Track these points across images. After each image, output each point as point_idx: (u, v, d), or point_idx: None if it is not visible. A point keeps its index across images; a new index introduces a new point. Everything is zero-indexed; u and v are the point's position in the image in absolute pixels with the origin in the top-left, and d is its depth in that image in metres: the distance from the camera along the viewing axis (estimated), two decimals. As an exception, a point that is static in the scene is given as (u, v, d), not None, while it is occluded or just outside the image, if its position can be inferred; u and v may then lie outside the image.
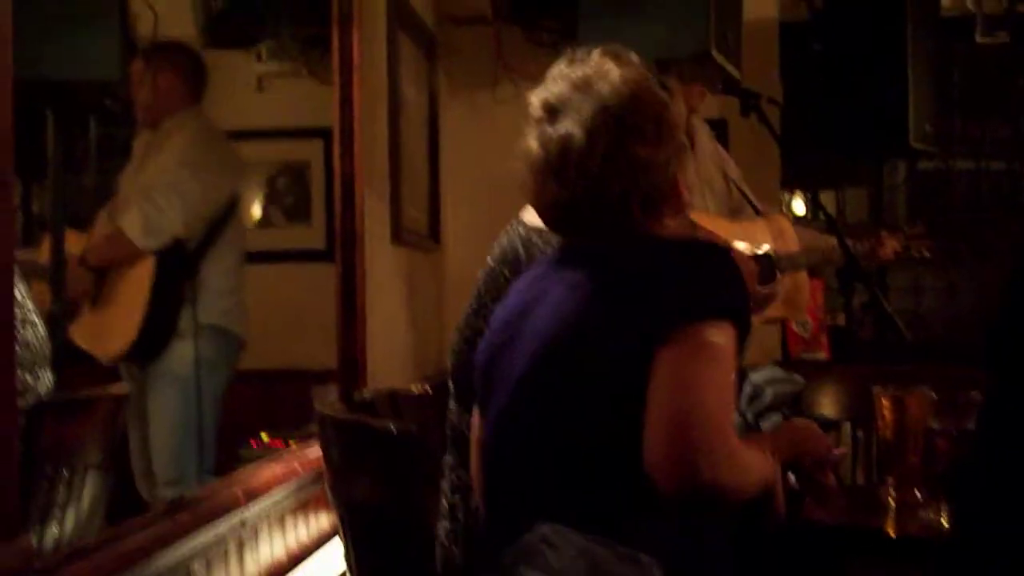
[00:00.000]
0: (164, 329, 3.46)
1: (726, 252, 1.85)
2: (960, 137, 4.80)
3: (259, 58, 3.92)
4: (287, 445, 3.33)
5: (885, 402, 2.28)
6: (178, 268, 3.49)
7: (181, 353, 3.46)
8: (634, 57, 1.89)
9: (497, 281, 2.28)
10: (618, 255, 1.83)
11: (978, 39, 4.67)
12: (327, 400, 3.29)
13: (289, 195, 4.25)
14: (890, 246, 3.66)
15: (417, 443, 2.02)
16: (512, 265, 2.27)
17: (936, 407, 2.23)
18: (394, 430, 2.02)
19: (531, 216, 2.25)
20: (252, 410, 3.67)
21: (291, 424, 3.41)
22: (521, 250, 2.28)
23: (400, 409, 2.58)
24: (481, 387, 1.90)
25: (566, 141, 1.78)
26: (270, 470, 2.74)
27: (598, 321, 1.75)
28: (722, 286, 1.75)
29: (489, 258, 2.35)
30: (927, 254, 3.74)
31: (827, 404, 3.59)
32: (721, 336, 1.68)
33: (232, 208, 3.67)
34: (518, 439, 1.81)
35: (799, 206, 5.17)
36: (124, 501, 3.18)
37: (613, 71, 1.83)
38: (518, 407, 1.82)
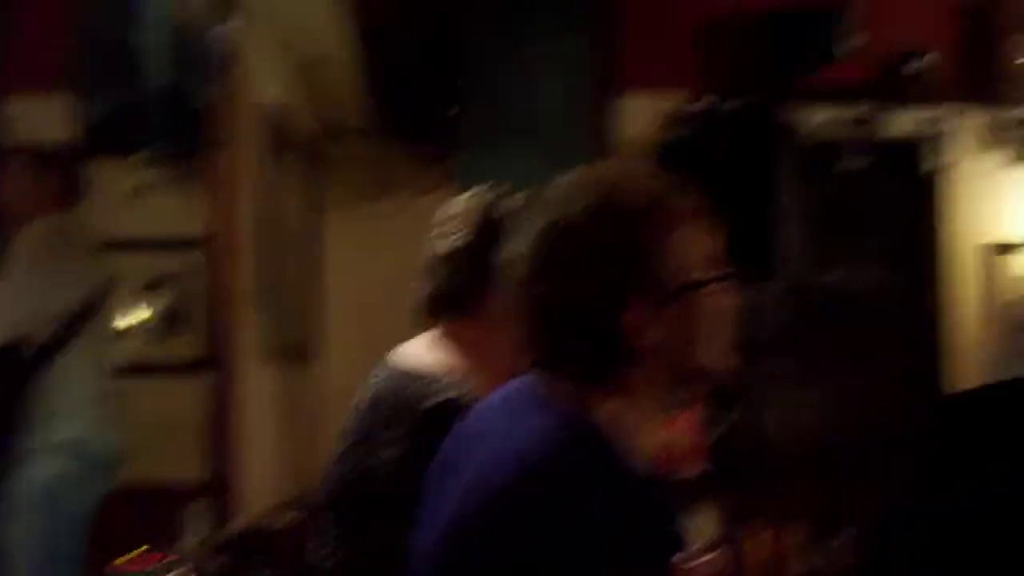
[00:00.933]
0: (5, 446, 3.37)
1: (657, 504, 1.52)
2: (825, 258, 4.96)
3: (135, 168, 3.91)
4: (163, 558, 3.30)
5: (754, 541, 2.36)
6: (11, 375, 3.40)
7: (32, 472, 3.37)
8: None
9: (363, 425, 2.22)
10: (520, 452, 1.53)
11: (842, 164, 4.87)
12: (188, 542, 3.30)
13: (165, 305, 4.19)
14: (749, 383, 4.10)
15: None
16: (379, 409, 2.20)
17: (804, 545, 2.32)
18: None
19: (402, 359, 2.25)
20: (121, 527, 3.49)
21: (166, 540, 3.36)
22: (389, 396, 2.20)
23: (270, 542, 2.59)
24: (423, 508, 1.70)
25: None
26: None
27: (481, 550, 1.49)
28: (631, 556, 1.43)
29: (358, 400, 2.28)
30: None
31: (703, 520, 3.68)
32: None
33: (89, 315, 3.59)
34: None
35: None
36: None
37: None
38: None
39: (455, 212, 2.25)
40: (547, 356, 1.59)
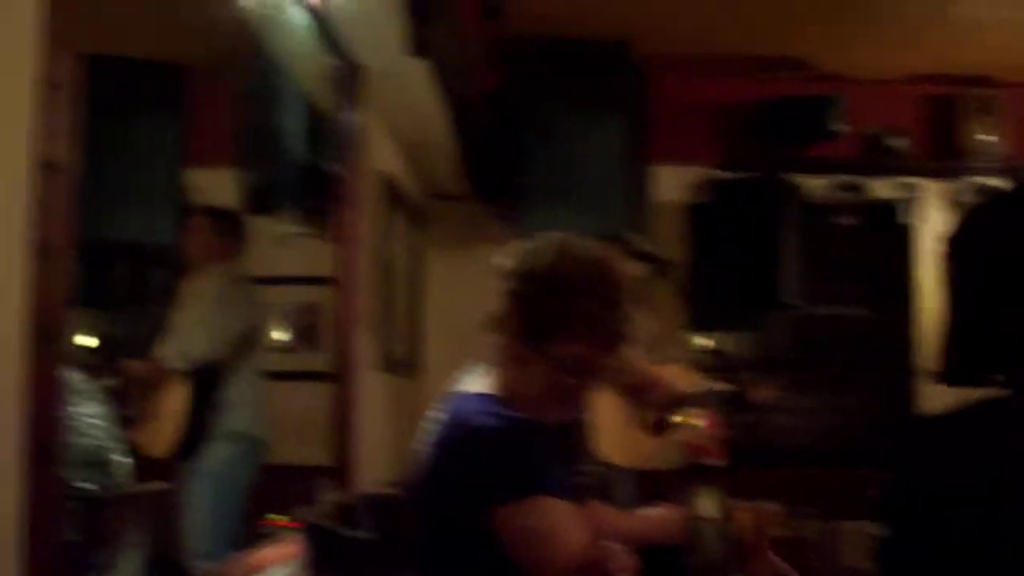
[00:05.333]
0: (199, 434, 3.67)
1: (515, 435, 1.75)
2: (820, 294, 5.22)
3: (282, 222, 4.03)
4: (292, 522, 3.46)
5: (741, 513, 2.36)
6: (208, 384, 3.71)
7: (212, 453, 3.68)
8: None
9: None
10: (455, 414, 1.87)
11: (834, 220, 5.33)
12: (311, 506, 3.31)
13: (304, 327, 4.43)
14: (759, 394, 4.34)
15: (371, 548, 2.10)
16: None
17: (781, 518, 2.51)
18: (354, 536, 2.17)
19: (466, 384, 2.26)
20: (271, 496, 3.66)
21: (301, 507, 3.45)
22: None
23: (377, 509, 2.62)
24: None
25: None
26: (270, 553, 2.88)
27: (437, 487, 1.81)
28: (511, 470, 1.71)
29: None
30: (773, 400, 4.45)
31: (712, 499, 4.00)
32: (531, 517, 1.66)
33: (253, 337, 3.89)
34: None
35: (702, 344, 5.43)
36: (174, 569, 3.37)
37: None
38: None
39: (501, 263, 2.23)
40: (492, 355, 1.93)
